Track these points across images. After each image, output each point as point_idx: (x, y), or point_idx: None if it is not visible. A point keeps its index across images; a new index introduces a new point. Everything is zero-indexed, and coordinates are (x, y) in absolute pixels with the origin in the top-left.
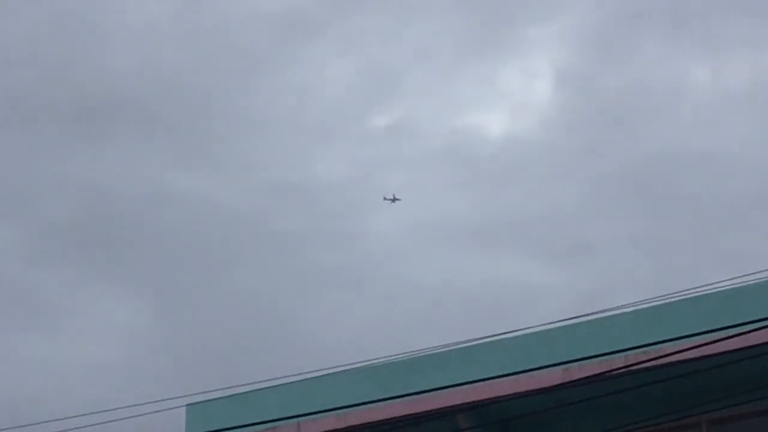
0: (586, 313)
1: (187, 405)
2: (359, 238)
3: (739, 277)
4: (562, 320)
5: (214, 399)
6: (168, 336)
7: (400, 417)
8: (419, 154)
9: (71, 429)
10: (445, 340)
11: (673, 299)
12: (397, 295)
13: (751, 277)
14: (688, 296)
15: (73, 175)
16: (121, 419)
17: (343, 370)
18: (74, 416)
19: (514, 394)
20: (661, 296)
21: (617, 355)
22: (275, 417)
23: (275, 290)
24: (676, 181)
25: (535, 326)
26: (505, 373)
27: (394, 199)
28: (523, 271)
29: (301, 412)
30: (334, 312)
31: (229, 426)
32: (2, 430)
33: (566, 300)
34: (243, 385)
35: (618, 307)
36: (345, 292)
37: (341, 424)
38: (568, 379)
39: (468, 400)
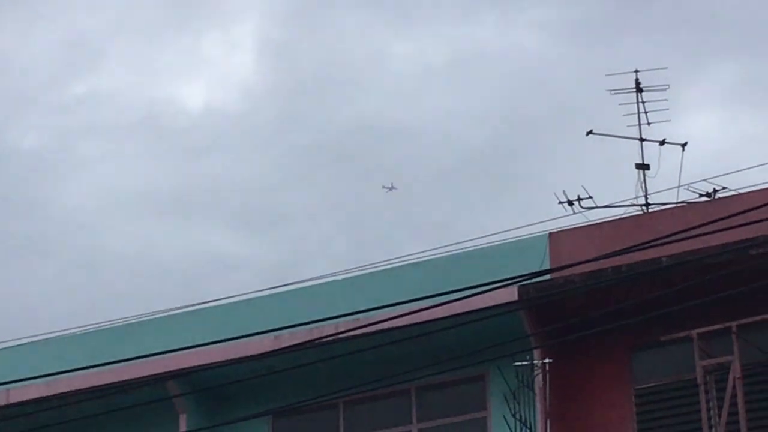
0: (286, 283)
1: None
2: (51, 206)
3: (439, 247)
4: (271, 288)
5: None
6: None
7: (109, 384)
8: (116, 123)
9: None
10: (146, 309)
11: (379, 268)
12: (93, 265)
13: (452, 248)
14: (395, 265)
15: None
16: None
17: (51, 338)
18: None
19: (225, 361)
20: (365, 265)
21: (328, 322)
22: None
23: None
24: (374, 152)
25: (244, 294)
26: (216, 339)
27: (391, 188)
28: (219, 241)
29: (8, 380)
30: (26, 281)
31: None
32: None
33: (263, 270)
34: None
35: (320, 277)
36: (37, 260)
37: (50, 392)
38: (278, 347)
39: (178, 367)
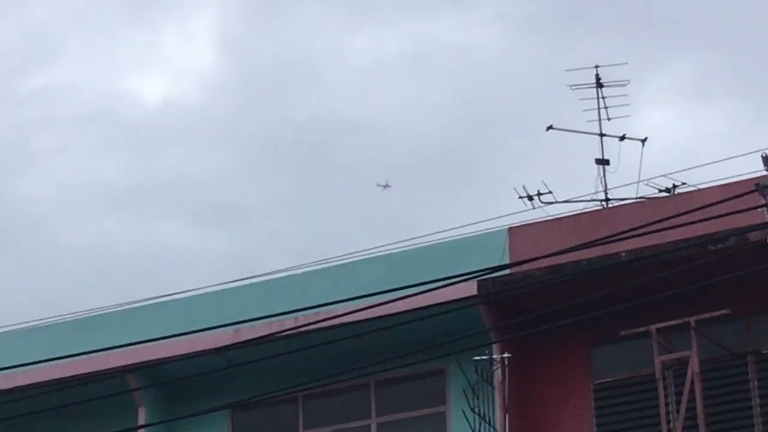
0: (245, 276)
1: None
2: (8, 199)
3: (398, 242)
4: (230, 281)
5: None
6: None
7: (68, 377)
8: (73, 116)
9: None
10: (104, 302)
11: (338, 262)
12: (50, 258)
13: (412, 242)
14: (355, 259)
15: None
16: None
17: (10, 331)
18: None
19: (184, 354)
20: (324, 259)
21: (287, 316)
22: None
23: None
24: (330, 147)
25: (203, 287)
26: (175, 333)
27: (386, 186)
28: (177, 234)
29: None
30: None
31: None
32: None
33: (222, 263)
34: None
35: (279, 270)
36: None
37: (10, 384)
38: (237, 340)
39: (137, 360)
